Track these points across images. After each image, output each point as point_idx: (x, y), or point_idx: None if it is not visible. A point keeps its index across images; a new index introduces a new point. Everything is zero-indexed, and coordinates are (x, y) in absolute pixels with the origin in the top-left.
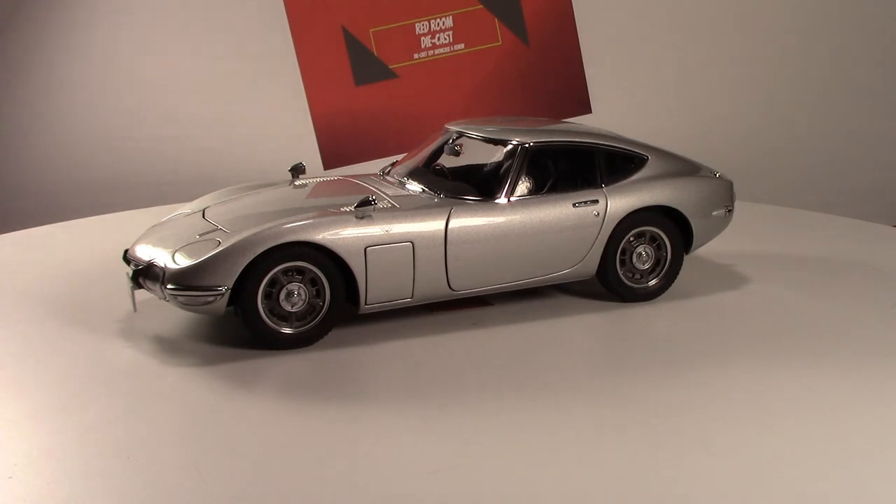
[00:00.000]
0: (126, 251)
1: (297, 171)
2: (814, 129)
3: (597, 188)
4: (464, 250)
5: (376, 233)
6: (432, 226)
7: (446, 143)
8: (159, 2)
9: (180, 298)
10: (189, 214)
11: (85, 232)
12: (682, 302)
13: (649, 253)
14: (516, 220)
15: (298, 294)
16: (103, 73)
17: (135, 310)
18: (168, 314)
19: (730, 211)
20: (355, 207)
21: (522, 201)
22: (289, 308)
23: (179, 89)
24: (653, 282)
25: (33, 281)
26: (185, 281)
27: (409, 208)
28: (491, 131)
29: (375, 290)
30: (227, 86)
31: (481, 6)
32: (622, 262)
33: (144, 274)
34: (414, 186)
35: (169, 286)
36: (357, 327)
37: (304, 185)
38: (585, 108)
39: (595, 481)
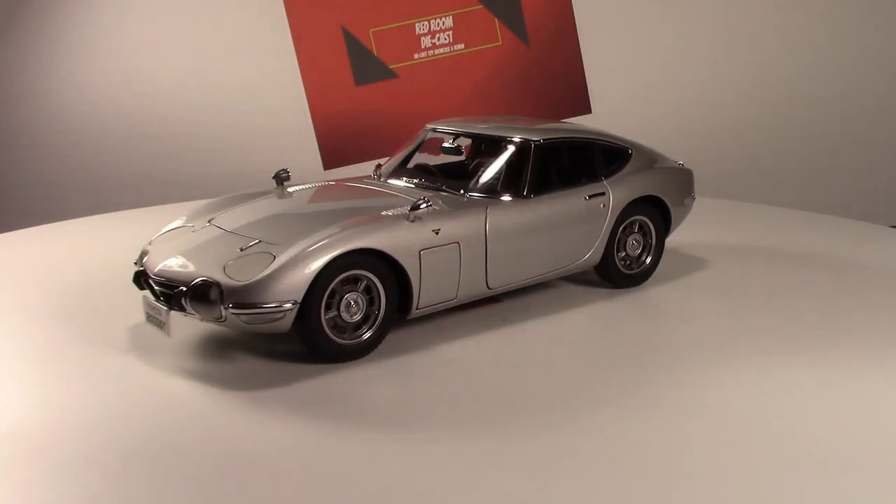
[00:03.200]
0: (138, 273)
1: (280, 179)
2: (814, 129)
3: (599, 181)
4: (501, 248)
5: (428, 235)
6: (474, 225)
7: (424, 141)
8: (160, 1)
9: (243, 318)
10: (199, 228)
11: (85, 232)
12: (687, 300)
13: (639, 240)
14: (541, 215)
15: (357, 304)
16: (103, 72)
17: (169, 335)
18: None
19: (693, 198)
20: (409, 210)
21: (543, 197)
22: (348, 318)
23: (180, 89)
24: (643, 266)
25: (33, 281)
26: (249, 298)
27: (451, 209)
28: (491, 129)
29: (427, 293)
30: (227, 86)
31: (481, 6)
32: (616, 250)
33: (190, 295)
34: (425, 186)
35: (231, 305)
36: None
37: (301, 191)
38: (585, 108)
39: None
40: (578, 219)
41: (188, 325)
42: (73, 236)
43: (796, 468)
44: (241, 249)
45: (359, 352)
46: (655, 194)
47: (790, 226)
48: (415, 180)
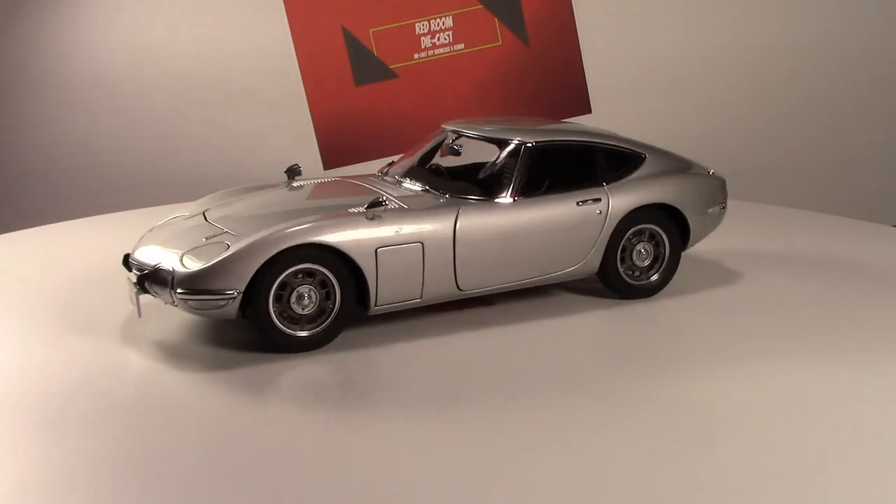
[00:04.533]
0: (127, 255)
1: (293, 172)
2: (815, 128)
3: (598, 187)
4: (472, 250)
5: (387, 234)
6: (442, 226)
7: (442, 143)
8: (160, 1)
9: (191, 303)
10: (189, 217)
11: (85, 232)
12: (683, 299)
13: (648, 250)
14: (522, 220)
15: (309, 297)
16: (103, 72)
17: (139, 315)
18: (172, 317)
19: (723, 208)
20: (366, 208)
21: (528, 201)
22: (300, 311)
23: (179, 89)
24: (653, 278)
25: (33, 282)
26: (195, 285)
27: (418, 209)
28: (490, 130)
29: (386, 291)
30: (227, 86)
31: (481, 6)
32: (622, 260)
33: (151, 278)
34: (416, 186)
35: (179, 290)
36: (365, 329)
37: (303, 187)
38: (585, 108)
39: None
40: (568, 225)
41: (188, 320)
42: (73, 237)
43: (797, 466)
44: (206, 239)
45: (311, 344)
46: (668, 202)
47: (791, 225)
48: (408, 180)
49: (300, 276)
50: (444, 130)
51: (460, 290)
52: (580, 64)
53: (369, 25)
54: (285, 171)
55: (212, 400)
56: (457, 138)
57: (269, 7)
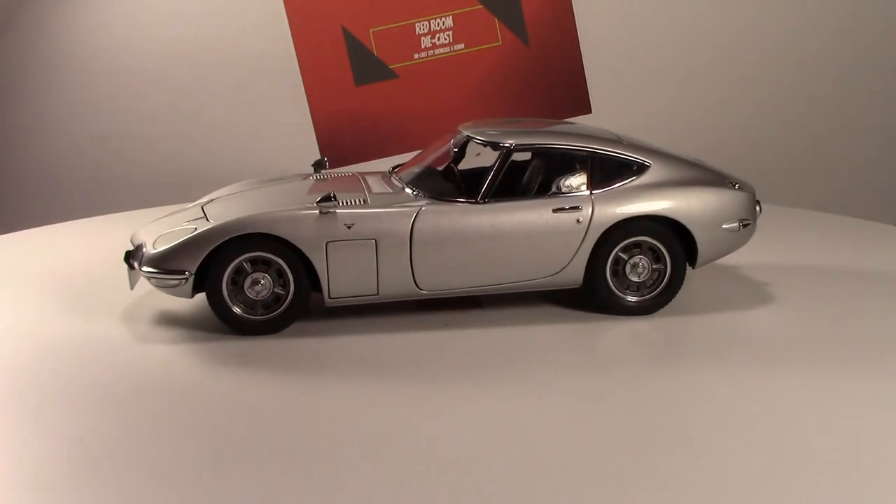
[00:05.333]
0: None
1: (319, 165)
2: (816, 128)
3: (584, 194)
4: (430, 251)
5: (339, 229)
6: (398, 225)
7: (452, 143)
8: (160, 1)
9: (152, 280)
10: (195, 205)
11: (85, 233)
12: (678, 301)
13: (646, 265)
14: (487, 223)
15: (262, 283)
16: (104, 72)
17: (131, 288)
18: (168, 304)
19: (746, 225)
20: (317, 203)
21: (498, 204)
22: (253, 296)
23: (179, 88)
24: (650, 295)
25: (34, 282)
26: (156, 264)
27: (378, 206)
28: (491, 134)
29: (338, 284)
30: (227, 86)
31: (481, 6)
32: (615, 273)
33: (134, 256)
34: (399, 185)
35: (144, 268)
36: (341, 320)
37: (312, 180)
38: (585, 108)
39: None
40: (541, 231)
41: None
42: (73, 237)
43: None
44: (186, 223)
45: (266, 328)
46: (664, 214)
47: (791, 225)
48: (399, 177)
49: (259, 263)
50: (459, 132)
51: (421, 289)
52: (580, 64)
53: (369, 25)
54: (312, 165)
55: (195, 369)
56: (466, 141)
57: (269, 7)
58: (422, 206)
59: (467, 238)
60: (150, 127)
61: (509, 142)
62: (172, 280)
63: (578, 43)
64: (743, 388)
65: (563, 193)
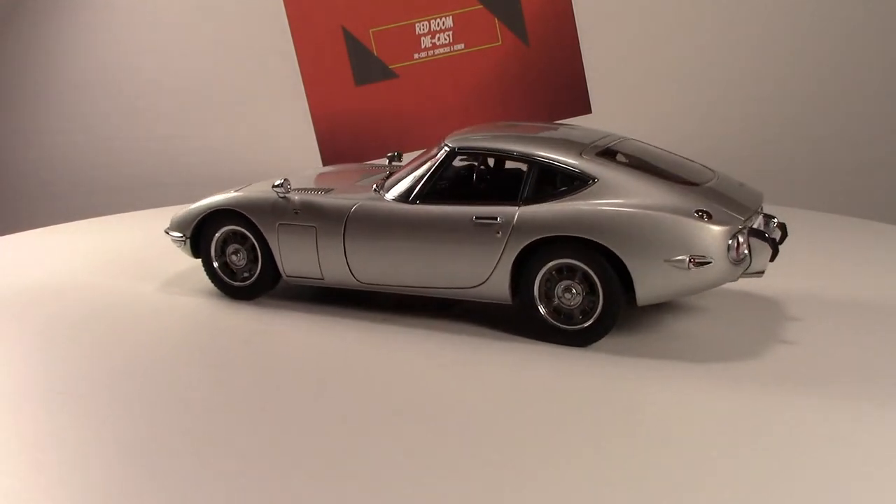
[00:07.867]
0: None
1: (392, 158)
2: (816, 127)
3: (513, 205)
4: (361, 244)
5: (289, 213)
6: (336, 215)
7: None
8: (160, 1)
9: (170, 239)
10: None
11: (85, 233)
12: (678, 301)
13: (577, 291)
14: (411, 224)
15: (239, 255)
16: (104, 73)
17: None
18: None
19: (701, 264)
20: (272, 187)
21: (427, 207)
22: (234, 264)
23: (179, 89)
24: (577, 327)
25: (34, 283)
26: (169, 228)
27: (328, 197)
28: (478, 138)
29: (289, 263)
30: (227, 86)
31: (481, 6)
32: (546, 296)
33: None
34: (371, 180)
35: (166, 229)
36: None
37: (346, 169)
38: (585, 108)
39: None
40: (461, 240)
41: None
42: (73, 238)
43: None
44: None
45: (244, 294)
46: (594, 238)
47: (792, 227)
48: (384, 171)
49: (239, 237)
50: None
51: (358, 281)
52: (580, 64)
53: (369, 25)
54: (387, 156)
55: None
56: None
57: (269, 7)
58: (361, 201)
59: (394, 236)
60: (151, 127)
61: (451, 144)
62: (176, 240)
63: (578, 43)
64: (738, 391)
65: (494, 203)
